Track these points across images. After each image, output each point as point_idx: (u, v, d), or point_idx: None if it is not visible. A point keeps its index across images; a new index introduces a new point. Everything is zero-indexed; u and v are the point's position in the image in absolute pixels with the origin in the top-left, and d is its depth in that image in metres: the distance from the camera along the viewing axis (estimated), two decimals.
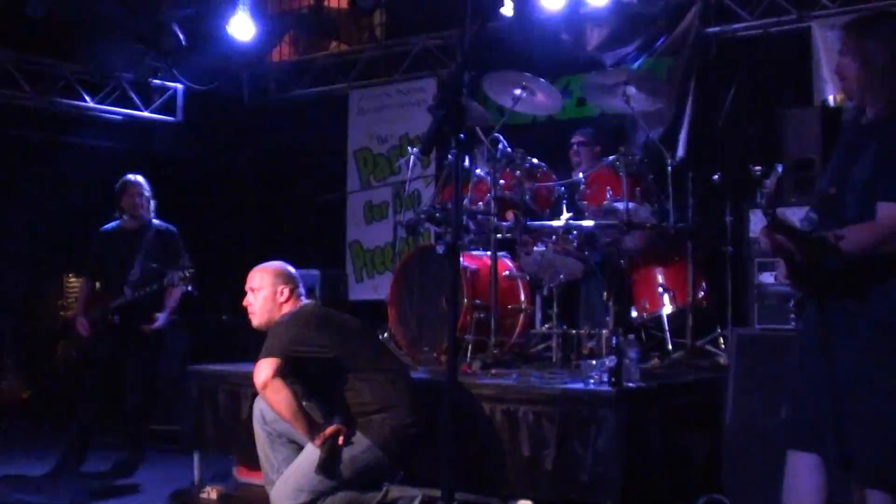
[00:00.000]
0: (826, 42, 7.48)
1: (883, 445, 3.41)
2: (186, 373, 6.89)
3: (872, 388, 3.41)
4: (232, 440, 6.39)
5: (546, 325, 7.08)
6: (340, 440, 4.93)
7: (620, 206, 6.50)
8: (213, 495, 6.32)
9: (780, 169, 3.37)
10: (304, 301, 5.38)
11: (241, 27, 9.61)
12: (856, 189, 3.48)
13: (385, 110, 10.28)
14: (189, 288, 7.34)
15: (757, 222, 4.16)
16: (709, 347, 6.68)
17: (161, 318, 7.41)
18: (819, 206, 3.70)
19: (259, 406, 5.30)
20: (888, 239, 3.38)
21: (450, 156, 3.54)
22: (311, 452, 4.96)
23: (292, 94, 10.96)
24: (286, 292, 5.29)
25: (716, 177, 6.70)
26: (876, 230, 3.41)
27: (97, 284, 7.62)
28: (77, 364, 7.79)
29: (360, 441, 4.97)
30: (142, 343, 7.42)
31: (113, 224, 7.69)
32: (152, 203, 7.70)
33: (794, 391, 3.70)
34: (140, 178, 7.69)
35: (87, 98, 10.19)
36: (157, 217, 7.73)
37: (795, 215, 3.89)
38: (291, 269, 5.44)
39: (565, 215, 6.94)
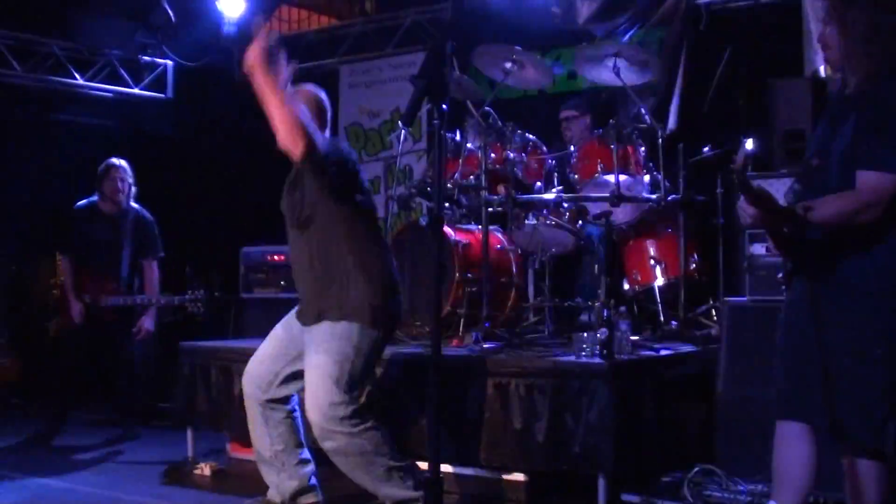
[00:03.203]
0: (817, 12, 7.43)
1: (870, 413, 3.42)
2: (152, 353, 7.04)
3: (858, 357, 3.42)
4: (225, 416, 6.40)
5: (538, 299, 7.09)
6: None
7: (611, 178, 6.49)
8: (207, 471, 6.34)
9: (746, 142, 3.38)
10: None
11: (231, 3, 9.55)
12: (836, 159, 3.49)
13: (376, 85, 10.24)
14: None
15: None
16: (701, 319, 6.69)
17: (148, 323, 7.51)
18: (802, 178, 3.70)
19: (250, 382, 5.26)
20: (866, 207, 3.38)
21: (434, 126, 3.53)
22: (322, 362, 4.83)
23: None
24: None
25: (707, 148, 6.70)
26: (853, 198, 3.41)
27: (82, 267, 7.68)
28: (63, 343, 7.83)
29: (351, 328, 4.84)
30: (129, 326, 7.53)
31: (88, 202, 7.74)
32: (133, 189, 7.74)
33: (781, 361, 3.71)
34: (124, 163, 7.74)
35: (77, 75, 10.15)
36: (137, 201, 7.81)
37: (784, 186, 3.88)
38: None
39: (556, 188, 6.94)
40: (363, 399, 5.06)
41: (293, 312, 5.18)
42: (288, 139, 4.67)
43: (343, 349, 4.82)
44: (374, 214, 5.22)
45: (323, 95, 5.27)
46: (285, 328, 5.20)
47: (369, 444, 4.82)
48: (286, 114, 4.64)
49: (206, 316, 7.41)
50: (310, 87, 5.25)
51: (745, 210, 3.52)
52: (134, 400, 7.80)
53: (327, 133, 5.21)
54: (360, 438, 4.80)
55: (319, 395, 4.80)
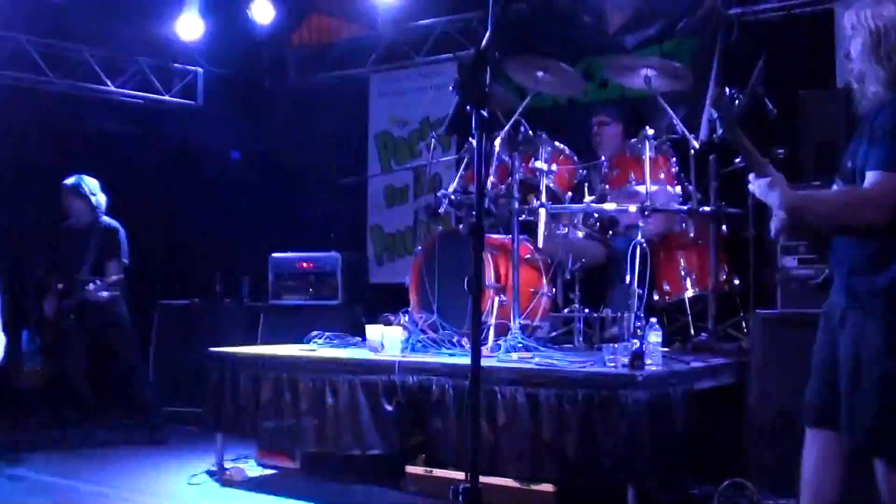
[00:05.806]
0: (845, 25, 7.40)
1: None
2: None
3: (890, 363, 3.37)
4: (253, 423, 6.40)
5: (568, 309, 7.06)
6: None
7: (643, 189, 6.47)
8: (236, 478, 6.34)
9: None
10: None
11: (262, 10, 9.60)
12: (860, 163, 3.46)
13: (405, 94, 10.26)
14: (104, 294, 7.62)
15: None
16: (731, 331, 6.65)
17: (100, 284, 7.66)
18: (842, 180, 3.67)
19: None
20: (868, 204, 3.30)
21: (472, 137, 3.50)
22: None
23: (313, 77, 10.94)
24: None
25: (738, 159, 6.65)
26: (855, 193, 3.36)
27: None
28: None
29: None
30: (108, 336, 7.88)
31: (69, 221, 8.07)
32: (92, 201, 7.90)
33: (813, 366, 3.67)
34: (72, 182, 8.00)
35: (109, 82, 10.18)
36: (108, 213, 8.05)
37: None
38: None
39: (587, 198, 6.93)
40: None
41: None
42: None
43: None
44: None
45: None
46: None
47: None
48: None
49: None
50: None
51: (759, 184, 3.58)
52: (145, 400, 7.91)
53: None
54: None
55: None
